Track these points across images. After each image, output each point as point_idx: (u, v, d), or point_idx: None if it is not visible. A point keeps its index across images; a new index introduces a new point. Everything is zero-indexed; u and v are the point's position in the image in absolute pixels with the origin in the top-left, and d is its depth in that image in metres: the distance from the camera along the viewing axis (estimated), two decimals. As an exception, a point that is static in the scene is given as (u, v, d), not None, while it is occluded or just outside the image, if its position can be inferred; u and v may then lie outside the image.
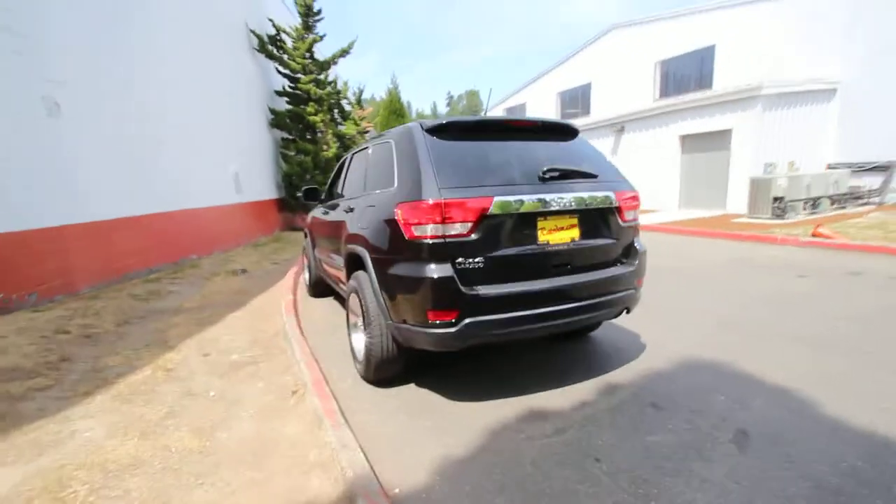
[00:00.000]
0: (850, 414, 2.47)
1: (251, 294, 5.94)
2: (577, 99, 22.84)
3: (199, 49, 9.15)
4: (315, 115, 13.06)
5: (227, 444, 2.41)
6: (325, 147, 13.60)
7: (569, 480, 2.07)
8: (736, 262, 6.69)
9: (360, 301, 3.04)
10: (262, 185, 12.15)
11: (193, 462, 2.25)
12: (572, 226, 2.76)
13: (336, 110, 14.40)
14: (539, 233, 2.66)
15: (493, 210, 2.51)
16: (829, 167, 12.80)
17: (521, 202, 2.58)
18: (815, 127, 12.89)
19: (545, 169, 2.74)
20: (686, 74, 17.73)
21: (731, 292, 5.04)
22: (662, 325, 4.01)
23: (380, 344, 2.89)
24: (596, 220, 2.86)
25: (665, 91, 18.48)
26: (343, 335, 4.24)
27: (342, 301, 5.27)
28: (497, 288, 2.54)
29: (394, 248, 2.68)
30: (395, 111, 37.24)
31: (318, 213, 5.22)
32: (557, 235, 2.71)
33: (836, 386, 2.80)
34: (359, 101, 18.79)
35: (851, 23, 12.61)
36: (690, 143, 13.99)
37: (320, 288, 5.69)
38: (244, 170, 10.86)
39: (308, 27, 13.33)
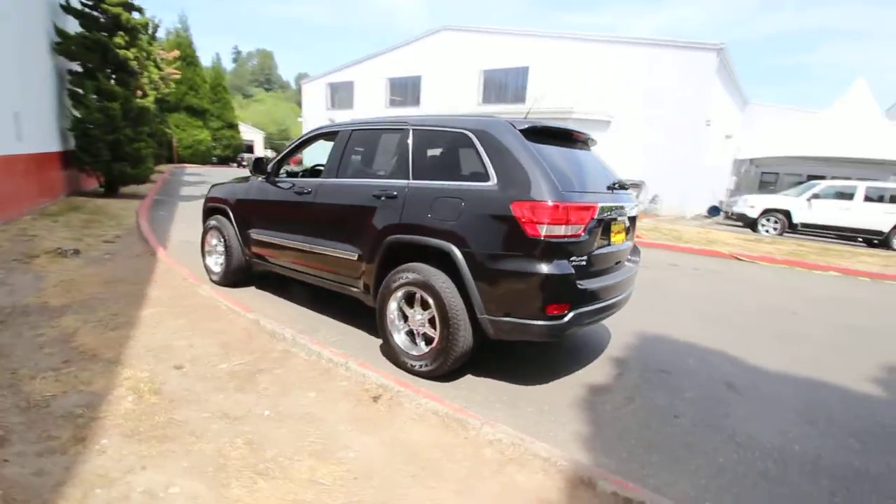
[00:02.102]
0: (775, 364, 3.75)
1: (131, 283, 4.59)
2: (407, 88, 23.62)
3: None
4: (127, 48, 10.18)
5: (368, 463, 2.12)
6: (139, 93, 10.76)
7: (679, 435, 2.63)
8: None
9: (431, 295, 2.93)
10: (41, 132, 8.88)
11: (366, 490, 1.93)
12: (625, 230, 3.31)
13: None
14: (611, 235, 3.11)
15: (598, 214, 2.84)
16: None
17: (610, 208, 2.98)
18: (600, 148, 16.73)
19: (615, 181, 3.20)
20: (505, 86, 20.41)
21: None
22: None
23: (463, 338, 2.88)
24: (631, 225, 3.47)
25: (487, 98, 20.87)
26: (333, 332, 3.88)
27: (292, 286, 4.60)
28: (592, 282, 2.88)
29: (507, 245, 2.71)
30: (184, 58, 31.54)
31: (259, 188, 4.41)
32: (618, 237, 3.21)
33: (738, 345, 4.12)
34: (152, 38, 15.34)
35: (617, 73, 16.81)
36: (515, 147, 16.31)
37: (239, 276, 4.83)
38: (22, 107, 7.76)
39: (117, -69, 10.18)
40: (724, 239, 10.31)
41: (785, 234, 11.44)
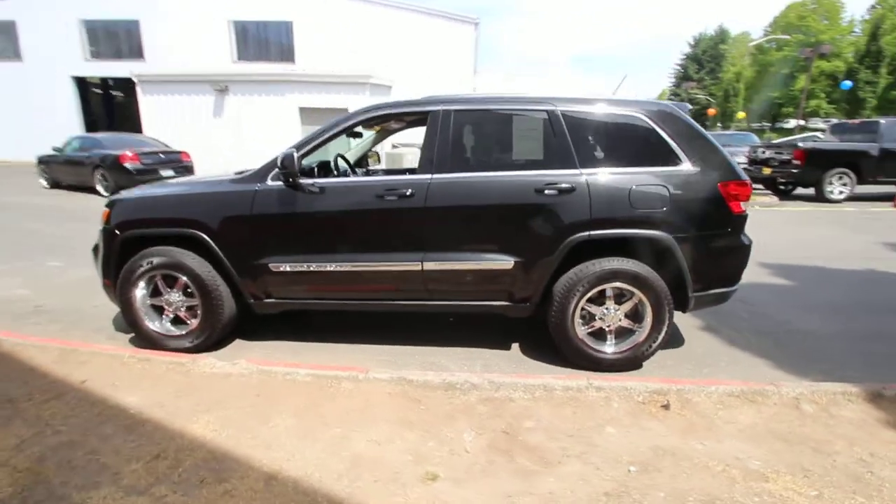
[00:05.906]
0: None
1: (49, 399, 2.51)
2: (119, 36, 17.81)
3: None
4: None
5: (785, 463, 2.08)
6: None
7: (794, 346, 3.48)
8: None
9: (638, 286, 2.85)
10: None
11: (837, 482, 1.96)
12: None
13: None
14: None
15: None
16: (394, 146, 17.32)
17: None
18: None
19: None
20: (266, 42, 17.85)
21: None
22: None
23: (668, 320, 2.95)
24: None
25: (244, 54, 17.89)
26: (464, 360, 3.38)
27: (295, 322, 3.57)
28: None
29: (717, 224, 2.87)
30: None
31: (281, 197, 2.99)
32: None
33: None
34: None
35: (389, 37, 17.16)
36: (309, 115, 14.84)
37: (228, 330, 3.28)
38: None
39: None
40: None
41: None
